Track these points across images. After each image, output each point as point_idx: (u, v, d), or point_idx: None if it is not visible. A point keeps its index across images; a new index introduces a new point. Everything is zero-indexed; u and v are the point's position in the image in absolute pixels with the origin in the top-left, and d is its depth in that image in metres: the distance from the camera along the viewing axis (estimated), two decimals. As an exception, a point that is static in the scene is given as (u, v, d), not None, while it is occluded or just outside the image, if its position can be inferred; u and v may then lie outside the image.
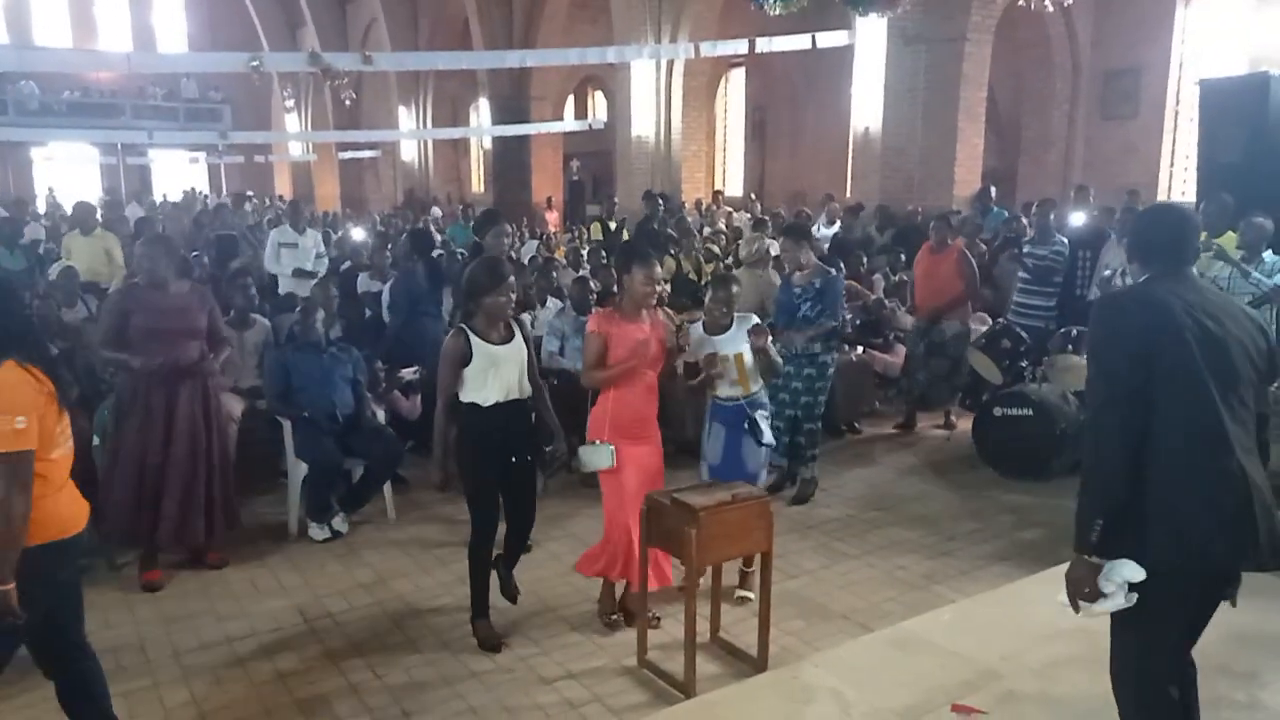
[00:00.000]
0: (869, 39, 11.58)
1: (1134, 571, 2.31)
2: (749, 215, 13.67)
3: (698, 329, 4.49)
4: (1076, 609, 2.39)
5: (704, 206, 14.46)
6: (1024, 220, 9.42)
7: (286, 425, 5.23)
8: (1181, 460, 2.31)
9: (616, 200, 14.08)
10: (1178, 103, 12.95)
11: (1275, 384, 5.05)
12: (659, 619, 4.04)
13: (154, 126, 23.90)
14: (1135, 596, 2.32)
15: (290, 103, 28.50)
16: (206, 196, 20.41)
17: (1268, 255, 5.35)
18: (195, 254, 9.61)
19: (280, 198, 24.51)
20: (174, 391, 4.50)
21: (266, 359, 5.80)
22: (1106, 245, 7.19)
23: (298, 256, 8.57)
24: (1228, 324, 2.39)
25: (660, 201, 11.81)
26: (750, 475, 4.27)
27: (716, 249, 9.84)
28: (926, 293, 6.97)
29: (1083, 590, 2.35)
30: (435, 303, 6.60)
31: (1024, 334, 6.72)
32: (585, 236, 13.07)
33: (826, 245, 9.44)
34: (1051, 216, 7.36)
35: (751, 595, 4.23)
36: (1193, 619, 2.45)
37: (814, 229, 10.18)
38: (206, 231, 10.64)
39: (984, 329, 7.22)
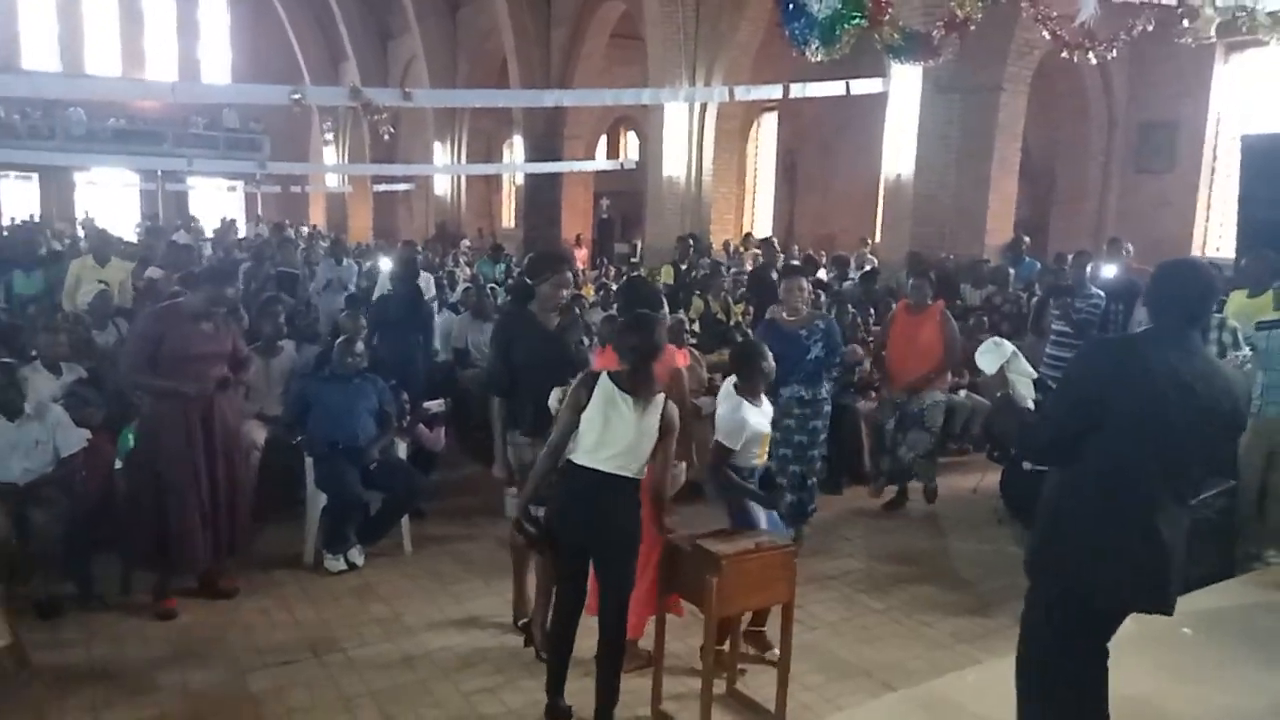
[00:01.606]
0: (903, 86, 11.58)
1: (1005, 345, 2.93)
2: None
3: (729, 391, 4.06)
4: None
5: (731, 248, 14.46)
6: (1066, 271, 9.29)
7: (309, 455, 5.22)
8: (1098, 504, 2.53)
9: (642, 242, 14.10)
10: (1215, 158, 12.83)
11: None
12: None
13: (194, 154, 24.36)
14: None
15: (329, 135, 29.00)
16: (260, 225, 20.33)
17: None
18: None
19: (314, 227, 24.87)
20: (201, 416, 4.50)
21: (292, 387, 5.81)
22: (1140, 300, 7.07)
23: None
24: (1202, 391, 2.49)
25: (691, 243, 11.78)
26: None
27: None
28: (903, 359, 6.17)
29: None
30: (416, 326, 6.85)
31: (1053, 385, 6.59)
32: (612, 274, 13.09)
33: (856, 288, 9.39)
34: (1088, 269, 7.24)
35: (773, 653, 3.97)
36: (1078, 644, 2.66)
37: (843, 272, 10.12)
38: (268, 266, 10.18)
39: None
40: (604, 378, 3.34)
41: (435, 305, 8.44)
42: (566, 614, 3.52)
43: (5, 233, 15.31)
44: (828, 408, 5.52)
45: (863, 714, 3.57)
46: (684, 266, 10.64)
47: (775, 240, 12.36)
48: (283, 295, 8.88)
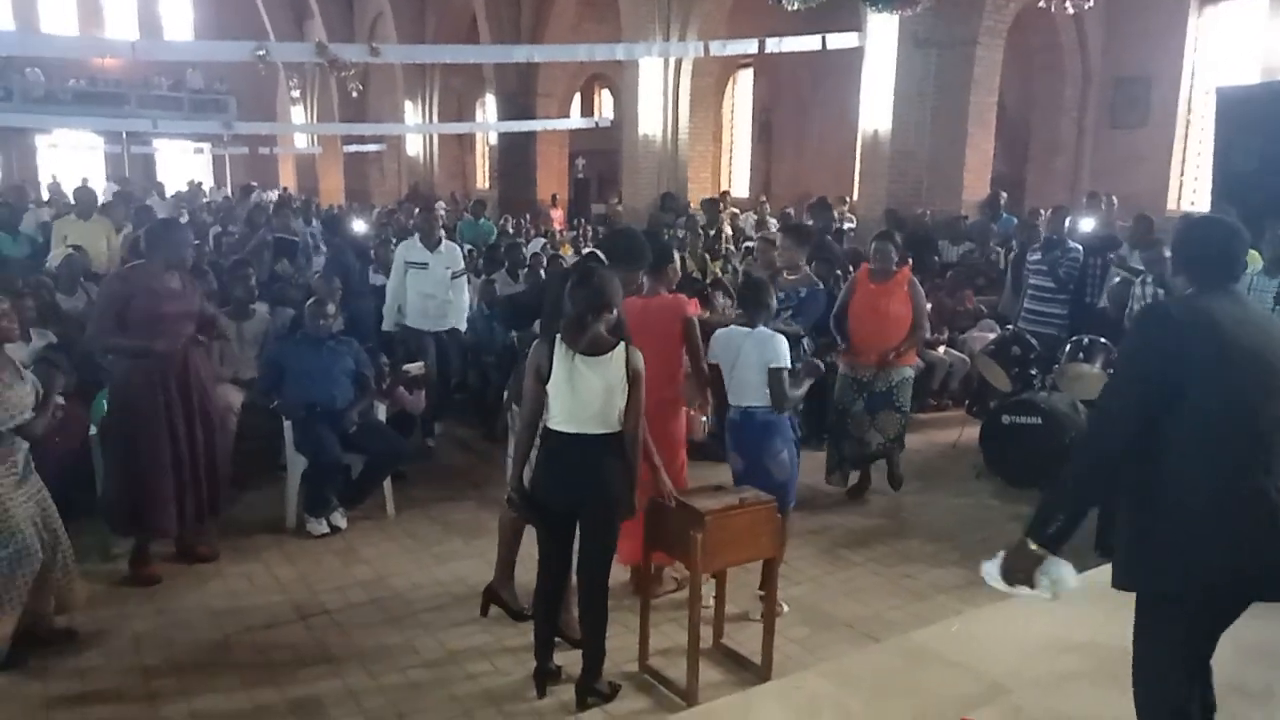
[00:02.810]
0: (879, 41, 11.49)
1: (1069, 575, 2.34)
2: (755, 216, 13.59)
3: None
4: (1000, 585, 2.41)
5: (710, 206, 14.39)
6: (1038, 227, 9.34)
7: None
8: (1205, 484, 2.24)
9: (621, 200, 14.01)
10: (1189, 111, 12.88)
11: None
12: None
13: (159, 116, 23.81)
14: (1053, 593, 2.35)
15: (296, 94, 28.42)
16: (258, 191, 19.45)
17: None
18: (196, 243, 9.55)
19: (285, 190, 24.44)
20: (174, 377, 4.43)
21: (266, 351, 5.73)
22: (1118, 253, 7.11)
23: (426, 281, 6.62)
24: (1270, 339, 2.31)
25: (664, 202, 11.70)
26: (778, 485, 4.00)
27: (722, 248, 9.76)
28: (868, 333, 5.44)
29: (1018, 576, 2.36)
30: (365, 281, 7.48)
31: (1034, 341, 6.63)
32: (589, 235, 13.00)
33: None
34: (1066, 223, 7.26)
35: (782, 607, 4.06)
36: (1203, 640, 2.38)
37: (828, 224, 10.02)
38: (264, 233, 9.13)
39: (992, 336, 7.10)
40: (558, 344, 3.28)
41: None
42: (555, 578, 3.50)
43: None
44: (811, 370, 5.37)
45: (847, 665, 3.61)
46: (663, 226, 10.53)
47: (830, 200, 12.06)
48: (283, 262, 8.68)
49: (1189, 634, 2.33)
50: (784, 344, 4.07)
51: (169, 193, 18.89)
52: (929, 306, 6.37)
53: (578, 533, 3.43)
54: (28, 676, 3.61)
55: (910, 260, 6.77)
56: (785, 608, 4.15)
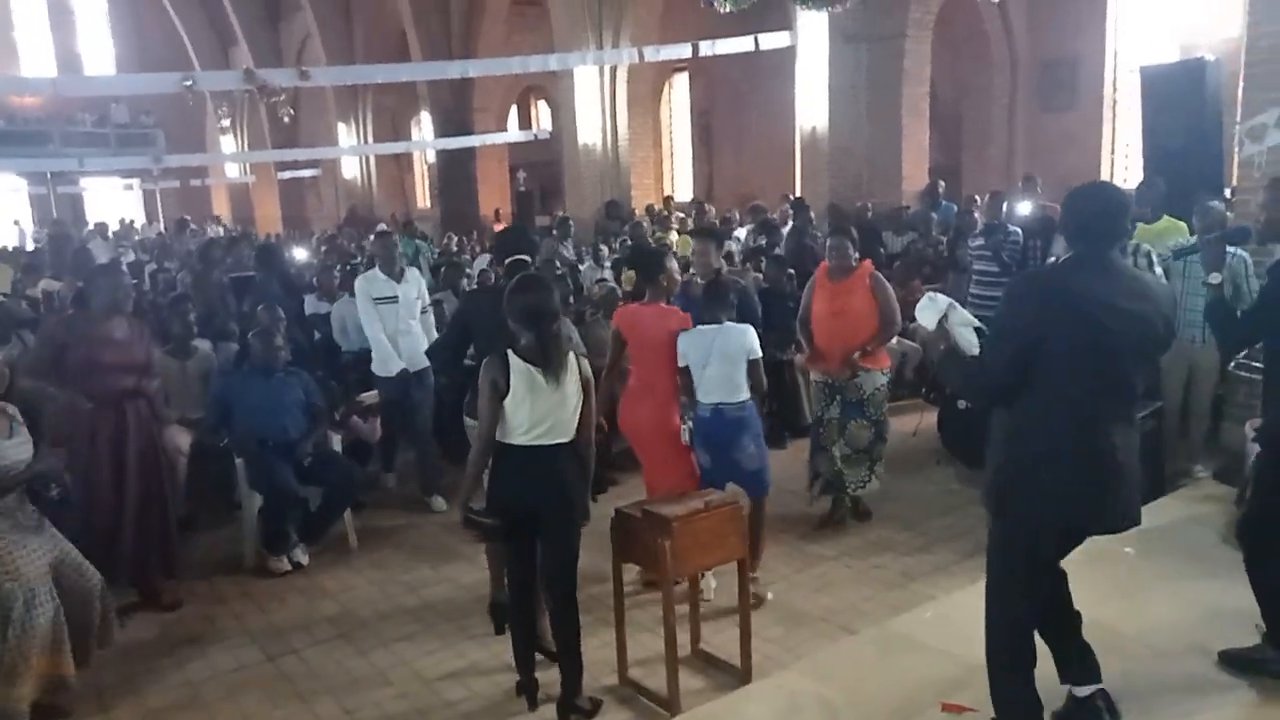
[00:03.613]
0: (810, 39, 11.63)
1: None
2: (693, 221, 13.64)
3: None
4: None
5: (656, 212, 14.41)
6: (975, 213, 9.49)
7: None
8: (1053, 436, 2.58)
9: (567, 212, 13.96)
10: (1115, 91, 13.22)
11: (1231, 364, 5.11)
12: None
13: (84, 154, 23.17)
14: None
15: (225, 122, 27.90)
16: (216, 227, 18.40)
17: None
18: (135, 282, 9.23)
19: (217, 218, 23.95)
20: (120, 426, 4.30)
21: (212, 387, 5.58)
22: (1056, 235, 7.24)
23: (398, 317, 5.80)
24: (1132, 310, 2.55)
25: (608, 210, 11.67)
26: (750, 475, 4.22)
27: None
28: (832, 336, 4.98)
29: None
30: (298, 314, 7.00)
31: (982, 325, 6.72)
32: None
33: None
34: (1004, 207, 7.39)
35: (766, 595, 4.30)
36: (1042, 565, 2.76)
37: (773, 238, 10.10)
38: (217, 273, 8.16)
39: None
40: (513, 359, 3.24)
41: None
42: (523, 589, 3.47)
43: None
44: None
45: (825, 659, 3.61)
46: (603, 239, 10.50)
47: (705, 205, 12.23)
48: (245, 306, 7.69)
49: (1028, 557, 2.70)
50: (754, 335, 4.22)
51: (108, 232, 18.38)
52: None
53: (540, 545, 3.40)
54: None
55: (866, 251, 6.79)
56: (770, 595, 4.30)
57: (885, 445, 5.17)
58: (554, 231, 11.26)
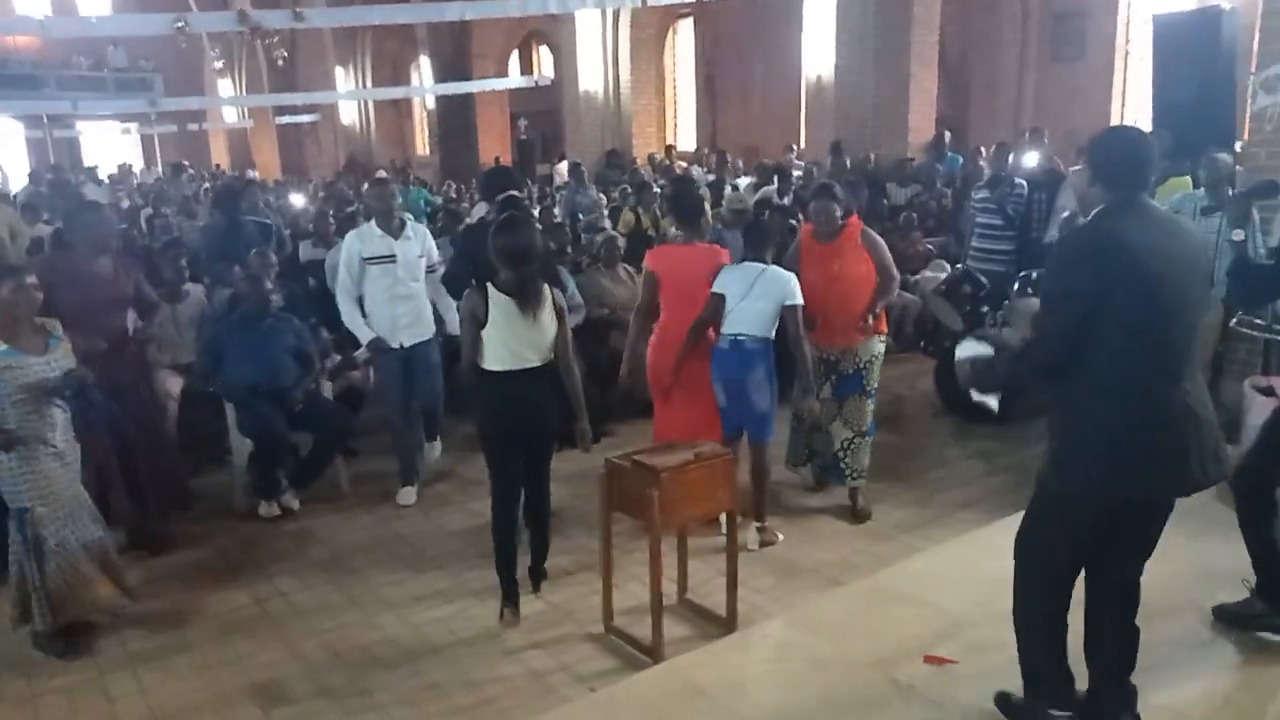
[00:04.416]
0: (818, -16, 11.39)
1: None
2: (705, 169, 13.47)
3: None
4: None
5: (658, 161, 14.24)
6: (981, 164, 9.35)
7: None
8: (1124, 398, 2.40)
9: (566, 157, 13.79)
10: (1127, 42, 12.95)
11: (1233, 320, 5.04)
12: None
13: (80, 97, 22.88)
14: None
15: (220, 64, 27.47)
16: (218, 172, 17.83)
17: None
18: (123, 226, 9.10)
19: (217, 167, 23.73)
20: (113, 368, 4.26)
21: (203, 332, 5.54)
22: (1062, 187, 7.13)
23: (394, 280, 4.93)
24: (1179, 252, 2.44)
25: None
26: (759, 417, 4.27)
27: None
28: (828, 304, 4.47)
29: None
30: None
31: (984, 279, 6.65)
32: (536, 195, 12.79)
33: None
34: (1009, 159, 7.26)
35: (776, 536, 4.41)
36: (1097, 544, 2.57)
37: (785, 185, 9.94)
38: (244, 219, 7.26)
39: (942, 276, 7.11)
40: (492, 291, 3.55)
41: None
42: (510, 509, 3.76)
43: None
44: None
45: (811, 610, 3.61)
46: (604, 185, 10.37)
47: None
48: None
49: (1088, 532, 2.53)
50: (797, 282, 4.24)
51: (102, 177, 18.19)
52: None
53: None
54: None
55: (858, 210, 6.59)
56: (780, 536, 4.40)
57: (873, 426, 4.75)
58: (569, 181, 11.06)
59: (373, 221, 5.07)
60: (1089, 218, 2.57)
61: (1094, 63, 13.11)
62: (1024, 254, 6.84)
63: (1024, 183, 6.97)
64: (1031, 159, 8.20)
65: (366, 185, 8.12)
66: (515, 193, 4.25)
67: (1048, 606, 2.63)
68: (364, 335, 4.99)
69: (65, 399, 3.57)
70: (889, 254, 4.70)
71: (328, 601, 4.03)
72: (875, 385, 4.70)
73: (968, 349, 2.92)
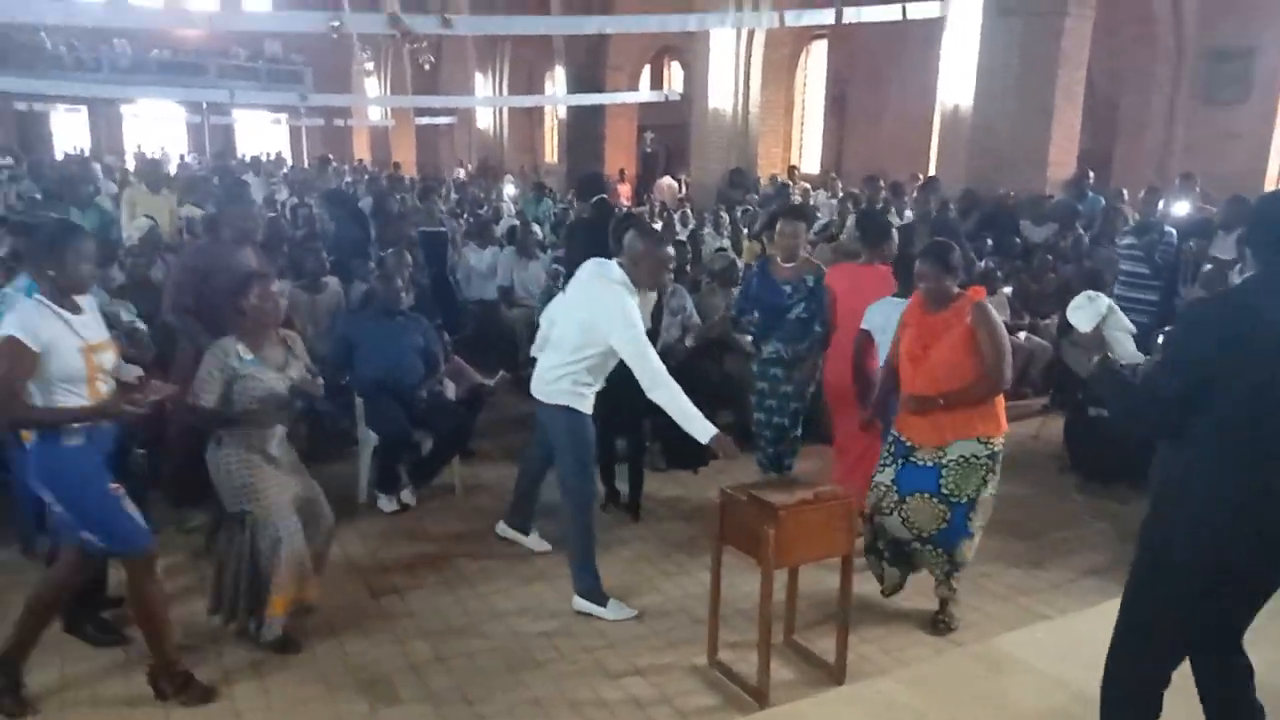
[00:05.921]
0: (962, 10, 11.07)
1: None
2: (828, 193, 13.30)
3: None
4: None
5: (779, 184, 14.12)
6: (1122, 205, 8.91)
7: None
8: (1226, 471, 2.34)
9: (689, 175, 13.82)
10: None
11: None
12: None
13: (236, 86, 24.29)
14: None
15: (370, 64, 28.71)
16: (382, 173, 17.87)
17: None
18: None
19: (360, 161, 24.73)
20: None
21: (335, 327, 5.76)
22: (1216, 239, 6.74)
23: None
24: None
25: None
26: None
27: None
28: (906, 385, 3.86)
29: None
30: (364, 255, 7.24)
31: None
32: (657, 210, 12.89)
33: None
34: (1160, 206, 6.91)
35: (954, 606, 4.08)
36: (1199, 623, 2.49)
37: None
38: (403, 225, 7.58)
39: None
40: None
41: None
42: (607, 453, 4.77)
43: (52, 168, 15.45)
44: (819, 359, 4.93)
45: (925, 670, 3.49)
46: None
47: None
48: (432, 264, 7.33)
49: (1182, 608, 2.45)
50: None
51: (258, 163, 19.22)
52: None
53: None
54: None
55: (983, 264, 6.52)
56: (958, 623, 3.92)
57: (971, 543, 3.82)
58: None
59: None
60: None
61: (1254, 106, 12.35)
62: (1169, 306, 6.49)
63: (1174, 231, 6.63)
64: (1183, 206, 7.80)
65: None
66: (605, 196, 5.40)
67: (1139, 683, 2.56)
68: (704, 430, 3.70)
69: (294, 410, 3.67)
70: (1003, 342, 3.73)
71: (438, 604, 4.11)
72: (960, 497, 3.71)
73: (1115, 324, 2.75)
